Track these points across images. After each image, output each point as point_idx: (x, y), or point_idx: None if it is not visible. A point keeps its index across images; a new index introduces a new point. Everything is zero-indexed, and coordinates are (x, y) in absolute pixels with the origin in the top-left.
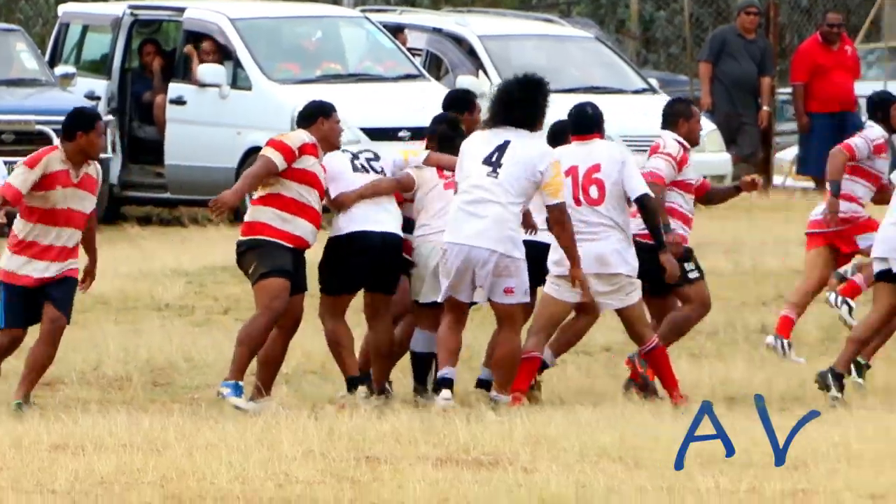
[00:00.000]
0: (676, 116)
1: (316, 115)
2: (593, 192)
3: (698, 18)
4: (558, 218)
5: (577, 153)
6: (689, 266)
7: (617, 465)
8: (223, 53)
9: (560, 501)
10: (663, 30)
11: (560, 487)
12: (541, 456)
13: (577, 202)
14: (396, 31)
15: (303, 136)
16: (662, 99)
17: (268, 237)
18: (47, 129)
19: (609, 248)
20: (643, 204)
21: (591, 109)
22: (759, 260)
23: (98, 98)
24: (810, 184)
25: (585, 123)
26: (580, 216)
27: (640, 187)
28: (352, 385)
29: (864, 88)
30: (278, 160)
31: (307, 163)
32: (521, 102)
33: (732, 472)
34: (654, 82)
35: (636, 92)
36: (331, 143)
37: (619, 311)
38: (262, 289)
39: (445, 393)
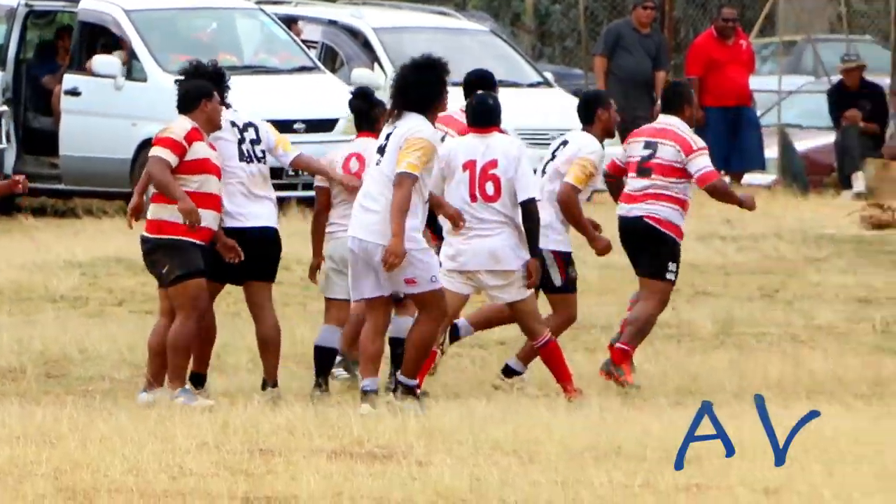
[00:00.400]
0: (682, 100)
1: (199, 99)
2: (489, 188)
3: (593, 12)
4: (395, 182)
5: (476, 147)
6: (671, 266)
7: (511, 459)
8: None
9: (454, 495)
10: (558, 23)
11: (454, 480)
12: (435, 449)
13: (473, 198)
14: (291, 22)
15: (185, 125)
16: (557, 93)
17: (178, 236)
18: None
19: (501, 244)
20: (528, 209)
21: (491, 101)
22: None
23: None
24: None
25: (485, 115)
26: (474, 212)
27: (530, 189)
28: (197, 381)
29: (758, 83)
30: (171, 158)
31: (197, 151)
32: (416, 86)
33: (627, 466)
34: (549, 76)
35: (531, 85)
36: (214, 124)
37: (511, 305)
38: (181, 292)
39: (365, 407)
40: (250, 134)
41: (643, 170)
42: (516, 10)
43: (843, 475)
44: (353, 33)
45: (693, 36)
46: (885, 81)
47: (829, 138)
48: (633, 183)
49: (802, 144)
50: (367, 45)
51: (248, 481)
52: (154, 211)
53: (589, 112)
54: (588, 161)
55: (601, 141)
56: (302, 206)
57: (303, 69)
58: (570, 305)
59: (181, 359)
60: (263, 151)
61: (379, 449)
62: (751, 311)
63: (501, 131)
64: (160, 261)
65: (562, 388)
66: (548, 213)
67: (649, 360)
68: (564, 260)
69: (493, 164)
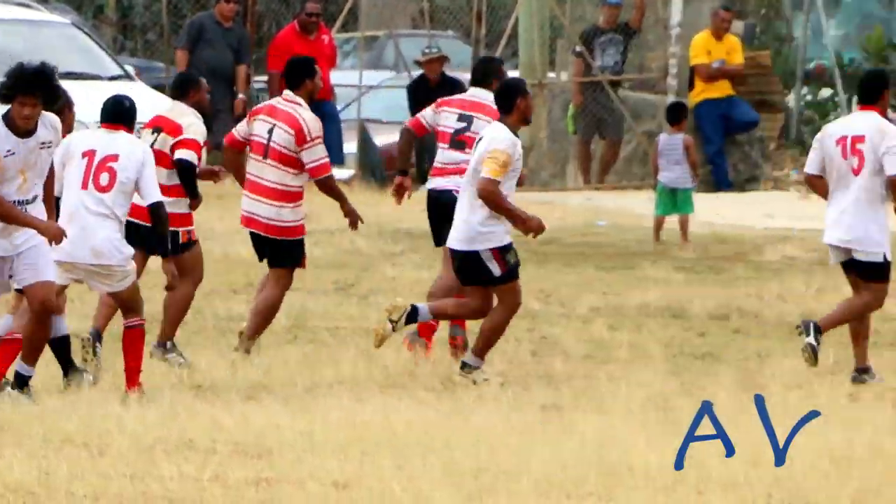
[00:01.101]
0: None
1: None
2: (103, 179)
3: (177, 6)
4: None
5: (101, 139)
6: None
7: (81, 452)
8: None
9: (22, 488)
10: (141, 16)
11: (23, 475)
12: (4, 443)
13: (84, 185)
14: None
15: None
16: (138, 86)
17: None
18: None
19: (103, 237)
20: (156, 211)
21: (127, 103)
22: (231, 248)
23: None
24: None
25: (116, 115)
26: (82, 200)
27: (156, 194)
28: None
29: (339, 77)
30: None
31: None
32: None
33: (197, 459)
34: (130, 69)
35: (112, 78)
36: None
37: (111, 294)
38: None
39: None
40: None
41: (457, 143)
42: (99, 2)
43: (412, 469)
44: None
45: (276, 30)
46: (466, 77)
47: None
48: (446, 155)
49: (382, 139)
50: None
51: None
52: None
53: (509, 101)
54: (499, 152)
55: (517, 128)
56: None
57: None
58: (515, 293)
59: None
60: None
61: None
62: (325, 305)
63: (131, 134)
64: None
65: (126, 377)
66: (478, 213)
67: (223, 354)
68: (501, 252)
69: (114, 157)
